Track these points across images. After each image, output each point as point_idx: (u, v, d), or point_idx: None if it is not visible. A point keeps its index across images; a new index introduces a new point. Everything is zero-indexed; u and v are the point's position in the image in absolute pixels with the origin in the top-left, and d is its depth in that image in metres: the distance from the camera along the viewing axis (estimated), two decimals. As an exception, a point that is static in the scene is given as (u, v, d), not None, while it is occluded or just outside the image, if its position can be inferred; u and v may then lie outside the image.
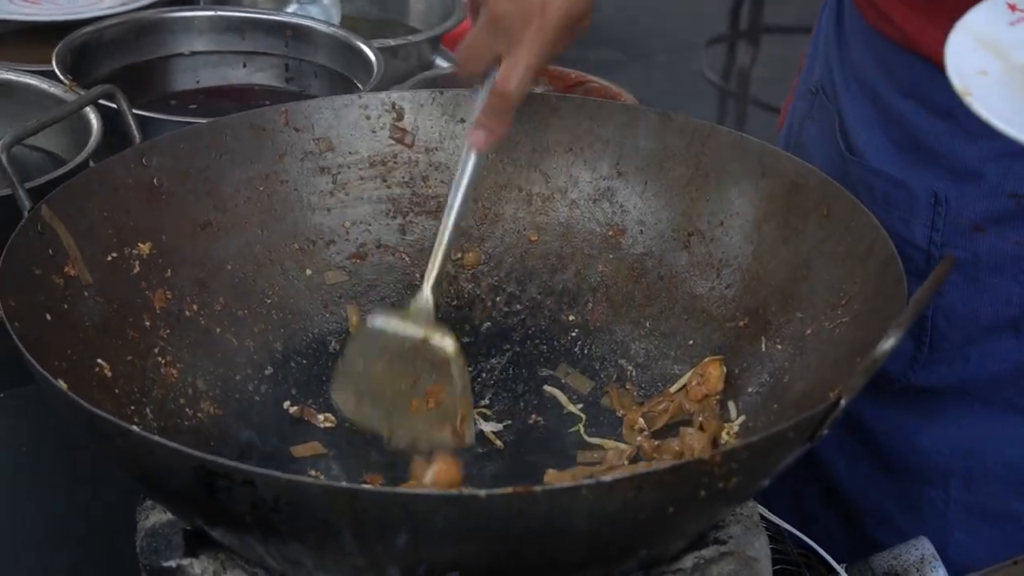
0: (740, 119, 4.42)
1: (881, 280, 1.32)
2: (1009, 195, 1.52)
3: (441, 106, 1.61)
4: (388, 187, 1.60)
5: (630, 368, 1.53)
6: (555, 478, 1.40)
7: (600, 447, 1.45)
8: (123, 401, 1.35)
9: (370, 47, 2.01)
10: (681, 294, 1.53)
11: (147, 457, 1.13)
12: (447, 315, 1.57)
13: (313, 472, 1.43)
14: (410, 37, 2.24)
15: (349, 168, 1.59)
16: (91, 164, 1.61)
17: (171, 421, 1.40)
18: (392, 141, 1.60)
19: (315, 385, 1.51)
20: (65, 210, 1.38)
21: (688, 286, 1.53)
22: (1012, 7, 1.21)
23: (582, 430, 1.48)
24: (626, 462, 1.42)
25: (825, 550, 1.48)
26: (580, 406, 1.51)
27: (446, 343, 1.42)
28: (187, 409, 1.42)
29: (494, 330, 1.58)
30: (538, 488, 1.04)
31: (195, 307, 1.48)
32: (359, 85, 1.98)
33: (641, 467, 1.40)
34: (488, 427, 1.50)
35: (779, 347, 1.43)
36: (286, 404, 1.49)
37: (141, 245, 1.45)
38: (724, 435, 1.42)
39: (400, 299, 1.58)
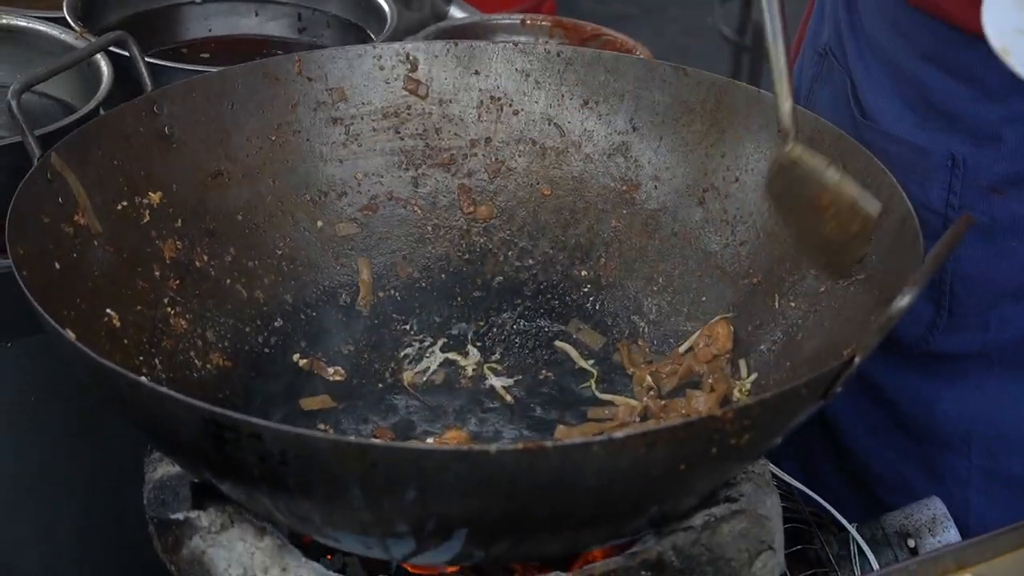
0: (754, 75, 4.39)
1: (897, 237, 1.31)
2: None
3: (456, 58, 1.60)
4: (401, 139, 1.59)
5: (642, 324, 1.52)
6: (566, 434, 1.40)
7: (611, 403, 1.45)
8: (132, 352, 1.35)
9: (384, -4, 2.00)
10: (694, 250, 1.52)
11: (155, 409, 1.12)
12: (458, 269, 1.57)
13: (322, 425, 1.42)
14: (424, -13, 2.23)
15: (362, 119, 1.58)
16: (101, 112, 1.60)
17: (180, 373, 1.39)
18: (406, 92, 1.59)
19: (325, 338, 1.51)
20: (75, 158, 1.37)
21: (702, 242, 1.52)
22: None
23: (594, 386, 1.48)
24: (637, 419, 1.42)
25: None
26: (591, 362, 1.51)
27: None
28: (196, 361, 1.42)
29: (506, 284, 1.57)
30: (549, 444, 1.04)
31: (205, 258, 1.47)
32: (372, 36, 1.97)
33: (652, 424, 1.40)
34: (499, 382, 1.49)
35: (792, 304, 1.42)
36: (295, 356, 1.49)
37: (151, 194, 1.44)
38: (736, 392, 1.41)
39: (412, 252, 1.57)
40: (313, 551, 1.25)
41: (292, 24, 2.08)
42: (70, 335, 1.17)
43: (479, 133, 1.59)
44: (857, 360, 1.13)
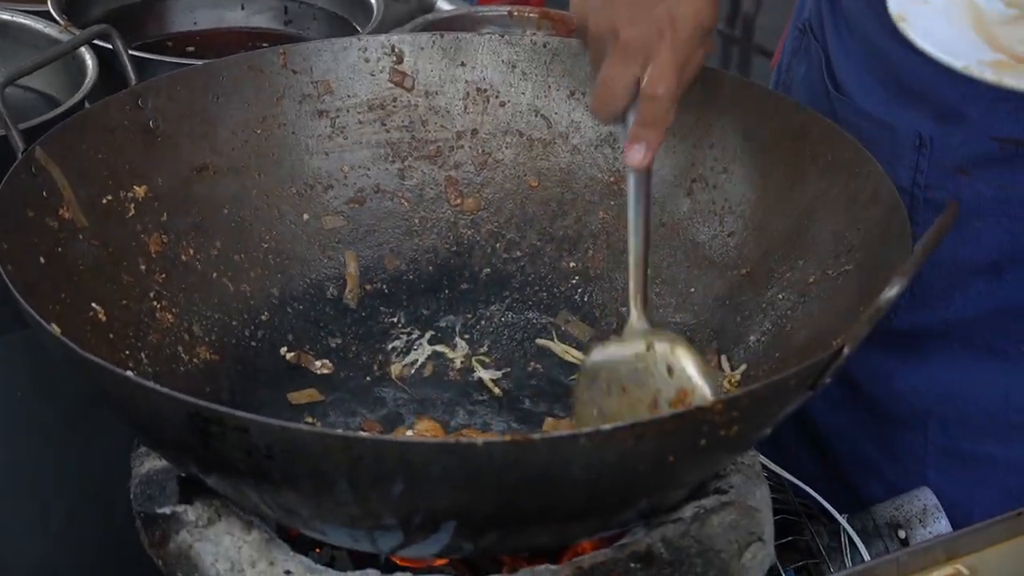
0: (744, 66, 4.39)
1: (885, 228, 1.30)
2: (992, 138, 1.50)
3: (442, 49, 1.59)
4: (387, 131, 1.58)
5: (631, 316, 1.52)
6: (553, 426, 1.40)
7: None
8: (118, 346, 1.34)
9: (370, -11, 1.99)
10: (683, 241, 1.52)
11: (141, 403, 1.11)
12: (446, 261, 1.56)
13: (309, 419, 1.42)
14: (411, -21, 2.23)
15: (348, 112, 1.57)
16: (86, 105, 1.59)
17: (166, 366, 1.38)
18: (391, 84, 1.58)
19: (312, 331, 1.51)
20: (59, 152, 1.36)
21: (690, 233, 1.52)
22: None
23: (582, 378, 1.47)
24: (625, 411, 1.41)
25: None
26: (580, 354, 1.50)
27: (675, 342, 1.30)
28: (183, 354, 1.41)
29: (493, 277, 1.57)
30: (536, 436, 1.03)
31: (191, 251, 1.46)
32: (358, 28, 1.96)
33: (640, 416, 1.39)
34: (487, 374, 1.49)
35: (781, 295, 1.42)
36: (283, 350, 1.48)
37: (136, 188, 1.43)
38: (726, 383, 1.41)
39: (399, 245, 1.56)
40: (301, 545, 1.25)
41: (278, 17, 2.08)
42: (55, 329, 1.17)
43: (466, 125, 1.59)
44: (846, 351, 1.13)
